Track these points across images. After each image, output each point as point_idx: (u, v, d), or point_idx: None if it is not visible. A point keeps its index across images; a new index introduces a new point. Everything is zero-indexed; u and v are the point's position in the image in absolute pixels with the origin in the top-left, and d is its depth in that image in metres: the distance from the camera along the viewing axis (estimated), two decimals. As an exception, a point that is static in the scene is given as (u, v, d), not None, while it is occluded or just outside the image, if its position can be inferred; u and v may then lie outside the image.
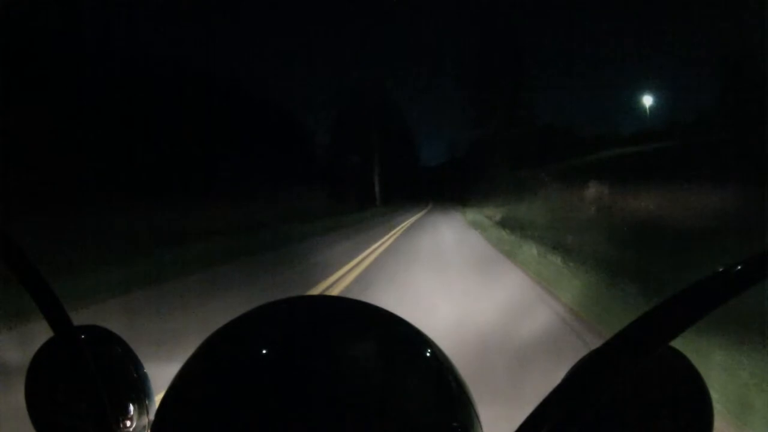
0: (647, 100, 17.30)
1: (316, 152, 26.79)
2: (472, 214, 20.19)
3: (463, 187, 28.87)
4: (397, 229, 14.70)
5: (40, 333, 0.58)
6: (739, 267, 0.34)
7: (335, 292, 5.42)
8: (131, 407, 0.57)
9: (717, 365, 2.73)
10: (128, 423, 0.57)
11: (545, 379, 0.54)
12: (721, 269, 0.35)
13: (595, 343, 2.53)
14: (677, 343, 0.39)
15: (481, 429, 0.48)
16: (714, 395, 0.42)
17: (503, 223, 13.83)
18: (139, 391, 0.59)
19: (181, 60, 15.88)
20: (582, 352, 0.42)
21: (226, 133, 16.77)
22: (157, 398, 0.52)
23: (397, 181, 31.63)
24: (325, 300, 0.62)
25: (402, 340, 0.53)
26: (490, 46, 21.84)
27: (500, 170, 20.47)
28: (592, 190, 10.03)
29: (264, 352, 0.49)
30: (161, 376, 0.64)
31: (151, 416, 0.59)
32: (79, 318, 0.53)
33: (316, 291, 5.46)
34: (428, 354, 0.51)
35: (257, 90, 20.66)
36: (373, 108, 28.92)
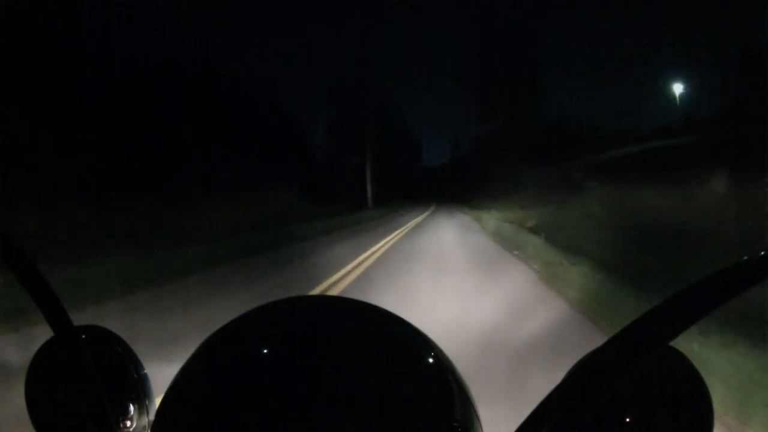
0: (677, 88, 17.27)
1: (315, 152, 26.73)
2: (492, 219, 14.78)
3: (465, 188, 28.36)
4: (371, 251, 8.99)
5: (40, 333, 0.58)
6: (739, 267, 0.34)
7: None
8: (131, 407, 0.57)
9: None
10: (128, 423, 0.57)
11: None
12: (721, 269, 0.35)
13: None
14: (677, 343, 0.39)
15: (481, 429, 0.48)
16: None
17: (556, 241, 8.16)
18: (139, 391, 0.59)
19: (180, 60, 15.89)
20: None
21: (226, 133, 16.77)
22: (157, 398, 0.52)
23: (397, 181, 31.46)
24: (325, 300, 0.62)
25: (402, 340, 0.53)
26: (491, 45, 21.84)
27: (520, 169, 18.35)
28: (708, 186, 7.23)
29: (264, 352, 0.49)
30: (161, 376, 0.64)
31: (151, 416, 0.58)
32: (79, 319, 0.53)
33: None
34: (428, 354, 0.51)
35: (257, 90, 20.67)
36: (372, 108, 28.79)
